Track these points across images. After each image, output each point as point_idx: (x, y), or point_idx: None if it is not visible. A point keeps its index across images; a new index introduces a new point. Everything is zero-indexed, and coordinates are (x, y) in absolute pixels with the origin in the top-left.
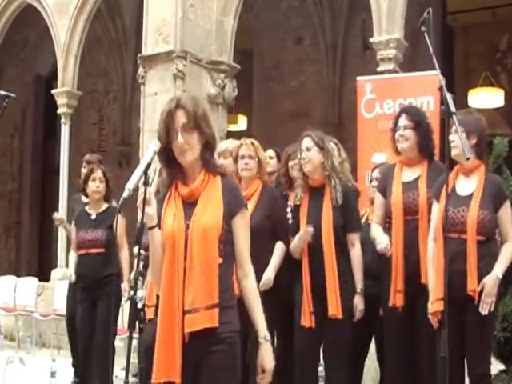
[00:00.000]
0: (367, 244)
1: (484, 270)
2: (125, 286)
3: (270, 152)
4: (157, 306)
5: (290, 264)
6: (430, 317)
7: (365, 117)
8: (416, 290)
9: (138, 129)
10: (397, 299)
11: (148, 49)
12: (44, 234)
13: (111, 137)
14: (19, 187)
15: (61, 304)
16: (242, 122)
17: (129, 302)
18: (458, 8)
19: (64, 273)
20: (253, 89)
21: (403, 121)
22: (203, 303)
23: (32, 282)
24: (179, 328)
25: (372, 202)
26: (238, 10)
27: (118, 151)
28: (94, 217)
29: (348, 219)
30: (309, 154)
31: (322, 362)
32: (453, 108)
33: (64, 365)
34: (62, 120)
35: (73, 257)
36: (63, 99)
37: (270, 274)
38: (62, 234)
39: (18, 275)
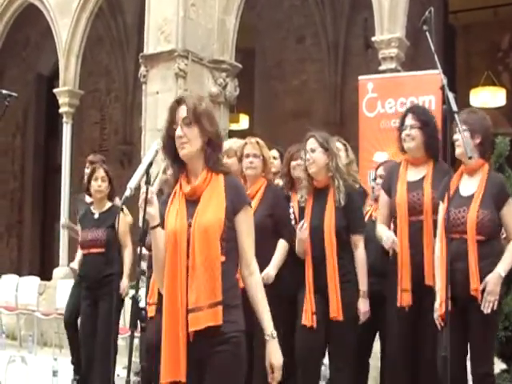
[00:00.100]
0: (371, 241)
1: (487, 269)
2: (124, 282)
3: (274, 152)
4: (158, 304)
5: (294, 261)
6: (435, 317)
7: (366, 116)
8: (422, 291)
9: (139, 128)
10: (403, 299)
11: (150, 48)
12: (46, 233)
13: (113, 136)
14: (21, 186)
15: (62, 303)
16: (243, 121)
17: (130, 301)
18: (459, 7)
19: (66, 272)
20: (254, 88)
21: (410, 120)
22: (206, 301)
23: (34, 281)
24: (183, 327)
25: (376, 200)
26: (239, 8)
27: (120, 150)
28: (96, 216)
29: (351, 220)
30: (313, 155)
31: (323, 361)
32: (455, 107)
33: (66, 364)
34: (64, 119)
35: (79, 254)
36: (65, 98)
37: (270, 271)
38: (63, 233)
39: (20, 274)
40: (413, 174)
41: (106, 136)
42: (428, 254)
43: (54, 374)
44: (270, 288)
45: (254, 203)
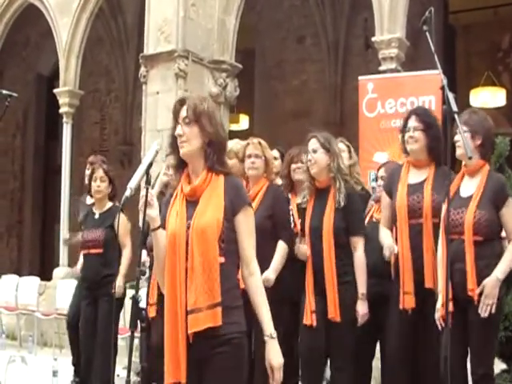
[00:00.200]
0: (372, 243)
1: (485, 270)
2: (118, 281)
3: (275, 152)
4: (158, 305)
5: (294, 262)
6: (436, 318)
7: (366, 116)
8: (424, 293)
9: (139, 128)
10: (406, 302)
11: (150, 48)
12: (46, 233)
13: (113, 136)
14: (21, 186)
15: (62, 303)
16: (243, 122)
17: (130, 301)
18: (459, 7)
19: (66, 272)
20: (254, 88)
21: (413, 122)
22: (205, 303)
23: (34, 281)
24: (183, 328)
25: (376, 201)
26: (239, 9)
27: (120, 150)
28: (97, 216)
29: (351, 222)
30: (315, 155)
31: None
32: (455, 107)
33: (66, 364)
34: (64, 119)
35: (81, 256)
36: (65, 98)
37: (269, 274)
38: (63, 234)
39: (20, 274)
40: (414, 177)
41: (106, 136)
42: (428, 257)
43: (54, 374)
44: (271, 289)
45: (255, 204)
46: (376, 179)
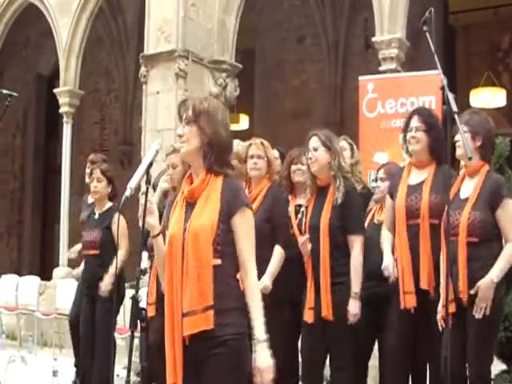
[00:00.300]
0: (373, 244)
1: (479, 272)
2: (104, 280)
3: (275, 152)
4: (157, 305)
5: (292, 264)
6: (438, 318)
7: (367, 116)
8: (422, 294)
9: (139, 128)
10: (407, 301)
11: (150, 48)
12: (46, 233)
13: (113, 136)
14: (21, 186)
15: (62, 303)
16: (243, 122)
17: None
18: (459, 7)
19: (66, 272)
20: (254, 88)
21: (415, 122)
22: (199, 306)
23: (34, 280)
24: (179, 331)
25: (376, 202)
26: (239, 9)
27: (120, 150)
28: (96, 217)
29: (348, 220)
30: (316, 153)
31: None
32: (455, 108)
33: (66, 364)
34: (64, 119)
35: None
36: (65, 98)
37: (266, 281)
38: (63, 233)
39: (20, 274)
40: (415, 177)
41: (106, 136)
42: (424, 258)
43: (54, 374)
44: (271, 290)
45: (254, 206)
46: (376, 180)
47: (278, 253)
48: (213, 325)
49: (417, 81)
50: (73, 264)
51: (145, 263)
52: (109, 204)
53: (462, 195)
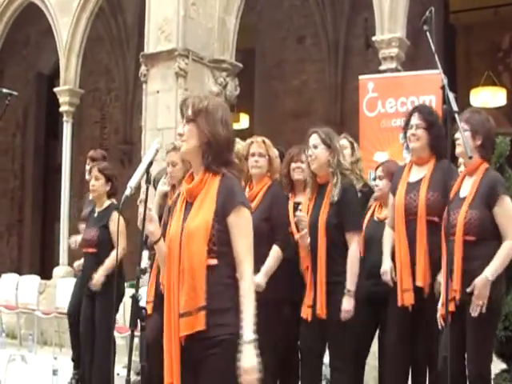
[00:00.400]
0: (373, 242)
1: (478, 271)
2: (98, 273)
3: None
4: (154, 302)
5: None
6: (437, 317)
7: (367, 115)
8: (420, 291)
9: (139, 127)
10: (405, 298)
11: (150, 47)
12: (46, 232)
13: (113, 135)
14: (21, 185)
15: (62, 302)
16: (243, 121)
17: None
18: (460, 7)
19: (66, 271)
20: (255, 88)
21: (415, 120)
22: (194, 306)
23: (34, 280)
24: (175, 331)
25: (376, 200)
26: (240, 8)
27: (120, 150)
28: (95, 215)
29: (344, 217)
30: (315, 151)
31: (324, 361)
32: (455, 107)
33: (65, 363)
34: (64, 118)
35: None
36: (65, 97)
37: (260, 280)
38: (63, 233)
39: (20, 273)
40: (415, 175)
41: (106, 135)
42: (420, 256)
43: (54, 372)
44: (270, 291)
45: (253, 205)
46: (374, 179)
47: (274, 251)
48: (206, 325)
49: (417, 80)
50: (75, 260)
51: (145, 262)
52: (107, 202)
53: (462, 194)
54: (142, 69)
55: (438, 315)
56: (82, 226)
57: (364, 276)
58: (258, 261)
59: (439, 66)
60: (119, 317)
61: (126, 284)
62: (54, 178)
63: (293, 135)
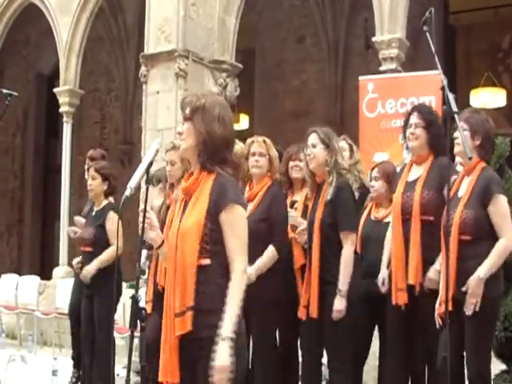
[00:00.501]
0: (371, 242)
1: (474, 270)
2: (90, 265)
3: None
4: (153, 302)
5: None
6: (435, 316)
7: (367, 116)
8: (412, 290)
9: (139, 127)
10: (399, 298)
11: (150, 47)
12: (46, 232)
13: (113, 135)
14: (21, 185)
15: (62, 302)
16: (243, 121)
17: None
18: (459, 8)
19: (66, 271)
20: (255, 88)
21: (415, 119)
22: (187, 306)
23: (34, 280)
24: (171, 331)
25: (371, 200)
26: (240, 9)
27: (120, 150)
28: (93, 214)
29: (338, 217)
30: (314, 150)
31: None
32: (455, 108)
33: (65, 363)
34: (64, 118)
35: None
36: (65, 98)
37: (250, 272)
38: (63, 233)
39: (20, 273)
40: (414, 173)
41: (106, 135)
42: (413, 255)
43: (54, 373)
44: (269, 291)
45: (252, 206)
46: (370, 180)
47: (270, 251)
48: (195, 326)
49: (417, 81)
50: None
51: (142, 262)
52: (105, 201)
53: (460, 194)
54: (142, 69)
55: (436, 314)
56: (77, 218)
57: (361, 275)
58: (254, 260)
59: (439, 66)
60: (119, 317)
61: (125, 284)
62: (53, 178)
63: (293, 135)
